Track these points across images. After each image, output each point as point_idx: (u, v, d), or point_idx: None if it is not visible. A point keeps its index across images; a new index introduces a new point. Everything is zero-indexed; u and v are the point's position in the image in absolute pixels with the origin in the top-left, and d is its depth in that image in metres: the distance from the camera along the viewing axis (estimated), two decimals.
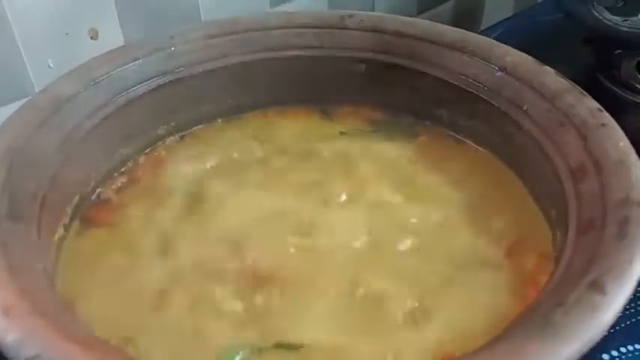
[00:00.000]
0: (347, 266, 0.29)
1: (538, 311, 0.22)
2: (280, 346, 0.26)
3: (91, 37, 0.44)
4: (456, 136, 0.37)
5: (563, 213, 0.28)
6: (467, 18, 0.68)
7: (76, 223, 0.32)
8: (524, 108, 0.32)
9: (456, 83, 0.35)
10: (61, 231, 0.31)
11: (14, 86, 0.40)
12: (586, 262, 0.23)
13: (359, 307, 0.28)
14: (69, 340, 0.21)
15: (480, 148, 0.36)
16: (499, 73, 0.33)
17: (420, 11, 0.60)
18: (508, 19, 0.66)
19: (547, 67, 0.32)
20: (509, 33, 0.61)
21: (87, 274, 0.30)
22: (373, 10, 0.59)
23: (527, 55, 0.33)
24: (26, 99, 0.40)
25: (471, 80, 0.35)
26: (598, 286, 0.22)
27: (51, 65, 0.42)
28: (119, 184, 0.35)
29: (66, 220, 0.31)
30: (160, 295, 0.28)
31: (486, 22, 0.67)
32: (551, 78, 0.32)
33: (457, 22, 0.65)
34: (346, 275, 0.29)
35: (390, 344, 0.26)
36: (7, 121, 0.29)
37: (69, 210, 0.32)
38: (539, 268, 0.29)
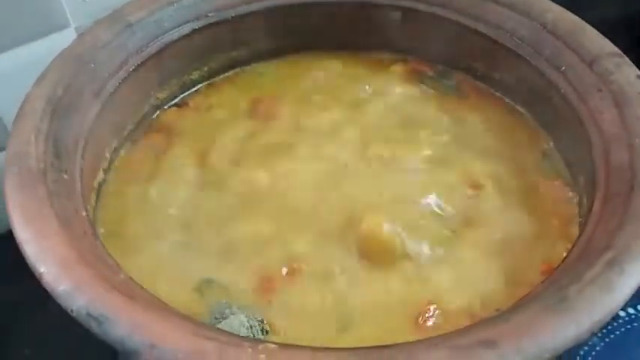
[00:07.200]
0: None
1: (555, 285, 0.23)
2: None
3: None
4: (493, 91, 0.37)
5: (591, 182, 0.28)
6: None
7: (114, 166, 0.34)
8: (562, 69, 0.31)
9: (492, 36, 0.34)
10: (100, 175, 0.32)
11: (49, 20, 0.41)
12: (607, 238, 0.24)
13: None
14: (114, 290, 0.23)
15: (517, 106, 0.36)
16: (538, 30, 0.33)
17: None
18: None
19: (589, 27, 0.31)
20: None
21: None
22: None
23: (569, 13, 0.32)
24: (60, 32, 0.42)
25: (508, 35, 0.34)
26: (615, 265, 0.23)
27: None
28: (154, 131, 0.36)
29: (105, 164, 0.33)
30: None
31: None
32: (592, 40, 0.31)
33: None
34: None
35: None
36: (45, 70, 0.30)
37: (107, 154, 0.33)
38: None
